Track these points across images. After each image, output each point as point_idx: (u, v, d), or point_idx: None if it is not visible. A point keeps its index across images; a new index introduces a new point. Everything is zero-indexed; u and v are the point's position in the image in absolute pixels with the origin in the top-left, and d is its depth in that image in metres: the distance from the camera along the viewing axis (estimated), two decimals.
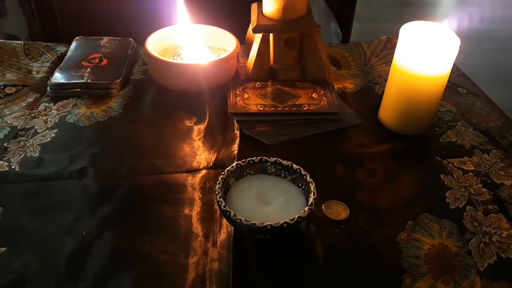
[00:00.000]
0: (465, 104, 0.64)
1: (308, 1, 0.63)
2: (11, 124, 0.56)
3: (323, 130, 0.57)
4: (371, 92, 0.66)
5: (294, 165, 0.45)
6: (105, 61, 0.67)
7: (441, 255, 0.42)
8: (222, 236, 0.42)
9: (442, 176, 0.51)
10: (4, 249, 0.40)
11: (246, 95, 0.61)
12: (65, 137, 0.54)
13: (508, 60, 2.09)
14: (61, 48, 0.72)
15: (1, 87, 0.62)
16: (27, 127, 0.56)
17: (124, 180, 0.48)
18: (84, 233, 0.42)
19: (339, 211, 0.45)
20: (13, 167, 0.49)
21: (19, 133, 0.55)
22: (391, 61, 0.56)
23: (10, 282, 0.38)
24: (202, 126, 0.57)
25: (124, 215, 0.44)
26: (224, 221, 0.43)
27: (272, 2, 0.60)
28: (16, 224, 0.43)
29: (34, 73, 0.67)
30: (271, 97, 0.60)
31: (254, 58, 0.63)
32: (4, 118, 0.57)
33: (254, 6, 0.66)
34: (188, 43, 0.68)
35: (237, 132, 0.55)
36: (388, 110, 0.58)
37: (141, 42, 0.66)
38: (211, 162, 0.51)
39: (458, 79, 0.69)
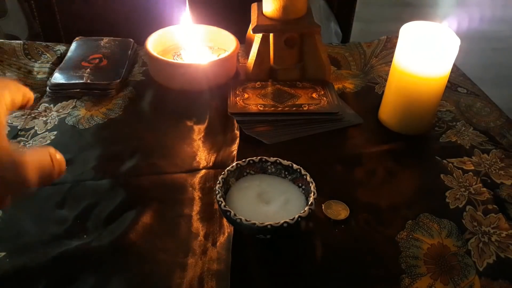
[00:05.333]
0: (465, 104, 0.64)
1: (308, 1, 0.63)
2: (12, 123, 0.56)
3: (323, 130, 0.57)
4: (371, 92, 0.66)
5: (294, 165, 0.45)
6: (105, 62, 0.67)
7: (440, 254, 0.42)
8: (222, 236, 0.42)
9: (442, 176, 0.51)
10: (3, 254, 0.40)
11: (246, 95, 0.61)
12: (64, 140, 0.54)
13: (508, 60, 2.10)
14: (60, 48, 0.72)
15: None
16: (27, 127, 0.56)
17: (124, 181, 0.48)
18: (85, 236, 0.42)
19: (339, 211, 0.45)
20: None
21: (19, 133, 0.55)
22: (391, 61, 0.56)
23: (10, 284, 0.38)
24: (202, 126, 0.57)
25: (124, 215, 0.44)
26: (224, 221, 0.43)
27: (272, 2, 0.60)
28: (16, 226, 0.43)
29: (34, 73, 0.67)
30: (271, 97, 0.60)
31: (254, 58, 0.63)
32: None
33: (254, 6, 0.66)
34: (188, 43, 0.68)
35: (237, 132, 0.55)
36: (388, 110, 0.58)
37: (141, 42, 0.66)
38: (211, 162, 0.51)
39: (458, 79, 0.69)
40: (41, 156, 0.33)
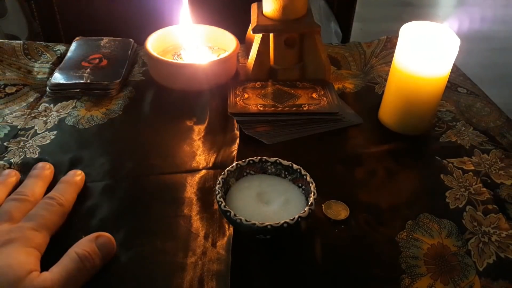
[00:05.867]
0: (465, 104, 0.64)
1: (308, 1, 0.63)
2: (12, 123, 0.56)
3: (323, 130, 0.57)
4: (371, 92, 0.66)
5: (294, 165, 0.45)
6: (105, 62, 0.67)
7: (440, 255, 0.42)
8: (222, 236, 0.42)
9: (442, 176, 0.51)
10: None
11: (246, 95, 0.61)
12: (64, 139, 0.54)
13: (508, 60, 2.10)
14: (60, 48, 0.72)
15: (2, 87, 0.62)
16: (27, 127, 0.56)
17: (123, 181, 0.48)
18: (83, 235, 0.41)
19: (339, 211, 0.45)
20: (13, 168, 0.49)
21: (19, 132, 0.55)
22: (391, 61, 0.56)
23: None
24: (202, 126, 0.57)
25: (123, 216, 0.44)
26: (224, 221, 0.43)
27: (272, 2, 0.60)
28: None
29: (34, 73, 0.67)
30: (271, 97, 0.60)
31: (254, 58, 0.63)
32: (5, 118, 0.57)
33: (254, 6, 0.66)
34: (188, 43, 0.68)
35: (237, 132, 0.55)
36: (388, 110, 0.58)
37: (141, 42, 0.66)
38: (211, 162, 0.51)
39: (458, 79, 0.69)
40: (69, 272, 0.36)
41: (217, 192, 0.41)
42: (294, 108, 0.58)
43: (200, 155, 0.52)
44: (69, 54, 0.69)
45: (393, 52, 0.56)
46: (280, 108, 0.58)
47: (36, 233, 0.38)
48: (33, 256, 0.37)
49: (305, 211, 0.39)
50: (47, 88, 0.62)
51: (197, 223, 0.44)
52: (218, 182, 0.42)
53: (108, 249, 0.39)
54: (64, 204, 0.42)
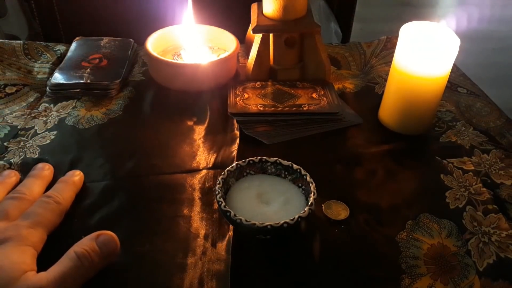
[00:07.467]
0: (465, 104, 0.64)
1: (308, 1, 0.63)
2: (12, 123, 0.56)
3: (323, 130, 0.57)
4: (371, 92, 0.66)
5: (294, 165, 0.45)
6: (105, 62, 0.67)
7: (440, 255, 0.42)
8: (222, 236, 0.42)
9: (442, 176, 0.51)
10: None
11: (246, 95, 0.61)
12: (64, 140, 0.54)
13: (508, 60, 2.10)
14: (60, 48, 0.72)
15: (2, 87, 0.62)
16: (27, 127, 0.56)
17: (123, 181, 0.48)
18: (83, 235, 0.41)
19: (339, 211, 0.45)
20: (13, 168, 0.49)
21: (19, 132, 0.55)
22: (391, 61, 0.56)
23: None
24: (202, 127, 0.57)
25: (123, 216, 0.44)
26: (224, 221, 0.43)
27: (272, 2, 0.60)
28: None
29: (34, 73, 0.67)
30: (271, 97, 0.60)
31: (254, 58, 0.63)
32: (5, 118, 0.57)
33: (254, 6, 0.66)
34: (188, 43, 0.68)
35: (237, 132, 0.55)
36: (388, 110, 0.58)
37: (142, 42, 0.66)
38: (211, 163, 0.51)
39: (458, 79, 0.69)
40: (66, 271, 0.35)
41: (217, 192, 0.41)
42: (294, 108, 0.58)
43: (200, 155, 0.52)
44: (69, 54, 0.69)
45: (393, 52, 0.56)
46: (280, 108, 0.58)
47: (32, 231, 0.38)
48: (29, 255, 0.36)
49: (305, 211, 0.39)
50: (47, 88, 0.62)
51: (197, 223, 0.44)
52: (218, 182, 0.42)
53: (110, 248, 0.38)
54: (61, 202, 0.42)
